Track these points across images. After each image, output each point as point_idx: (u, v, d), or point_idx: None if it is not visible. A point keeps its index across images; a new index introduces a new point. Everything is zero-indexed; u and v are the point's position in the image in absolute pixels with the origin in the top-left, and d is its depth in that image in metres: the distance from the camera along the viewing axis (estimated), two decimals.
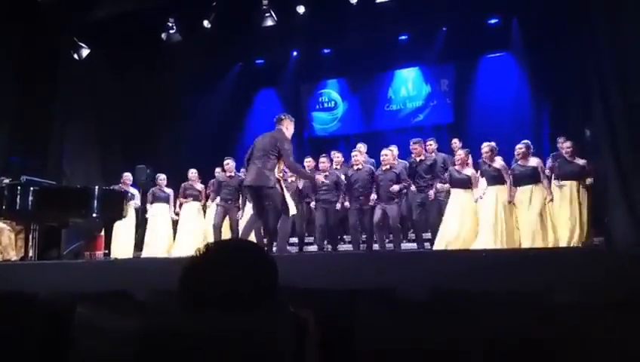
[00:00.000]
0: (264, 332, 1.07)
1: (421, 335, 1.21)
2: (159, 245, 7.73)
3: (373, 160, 7.36)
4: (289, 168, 5.51)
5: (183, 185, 7.92)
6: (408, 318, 1.27)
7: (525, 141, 6.37)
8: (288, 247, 6.08)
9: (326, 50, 10.18)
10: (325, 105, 10.52)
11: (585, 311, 1.20)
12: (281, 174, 5.41)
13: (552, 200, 6.02)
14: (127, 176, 7.85)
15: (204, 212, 7.96)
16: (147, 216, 7.91)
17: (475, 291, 1.74)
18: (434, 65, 9.68)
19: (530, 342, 1.13)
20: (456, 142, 7.26)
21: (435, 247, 6.22)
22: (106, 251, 7.01)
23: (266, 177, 5.16)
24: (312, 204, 7.02)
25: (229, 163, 7.38)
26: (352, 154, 6.94)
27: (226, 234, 7.32)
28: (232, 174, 7.32)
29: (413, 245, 6.94)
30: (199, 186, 7.91)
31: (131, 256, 7.40)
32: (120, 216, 6.59)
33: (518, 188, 6.17)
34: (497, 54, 9.25)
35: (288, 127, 5.42)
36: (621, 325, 1.11)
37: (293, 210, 5.40)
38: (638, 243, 5.93)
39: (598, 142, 7.13)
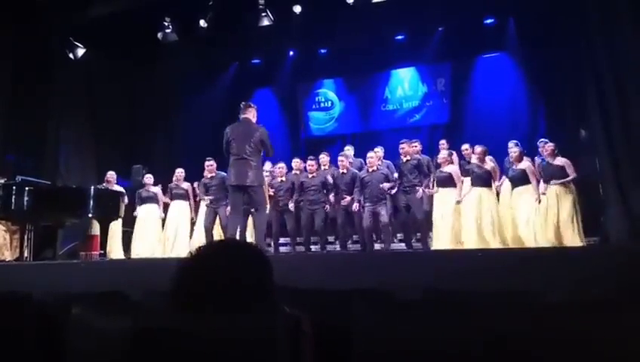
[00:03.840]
0: (259, 333, 1.07)
1: (417, 335, 1.21)
2: (147, 247, 7.61)
3: (361, 159, 7.34)
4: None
5: (169, 185, 7.78)
6: (404, 318, 1.27)
7: (513, 142, 6.39)
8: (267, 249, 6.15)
9: (322, 50, 10.17)
10: (322, 104, 10.50)
11: (581, 309, 1.21)
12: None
13: (539, 201, 6.05)
14: (112, 175, 7.67)
15: (196, 211, 7.83)
16: (135, 214, 7.78)
17: (471, 291, 1.74)
18: (430, 65, 9.68)
19: (527, 341, 1.13)
20: (443, 143, 7.22)
21: (433, 248, 6.24)
22: (102, 251, 6.98)
23: (256, 175, 5.20)
24: (291, 206, 6.89)
25: (212, 163, 7.19)
26: (339, 158, 6.93)
27: (218, 235, 7.20)
28: (214, 174, 7.16)
29: (401, 245, 6.97)
30: (185, 185, 7.80)
31: (121, 258, 7.30)
32: (116, 216, 6.57)
33: (513, 190, 6.28)
34: (493, 54, 9.25)
35: (255, 115, 5.50)
36: (617, 323, 1.12)
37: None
38: (634, 241, 5.97)
39: (593, 141, 7.17)
